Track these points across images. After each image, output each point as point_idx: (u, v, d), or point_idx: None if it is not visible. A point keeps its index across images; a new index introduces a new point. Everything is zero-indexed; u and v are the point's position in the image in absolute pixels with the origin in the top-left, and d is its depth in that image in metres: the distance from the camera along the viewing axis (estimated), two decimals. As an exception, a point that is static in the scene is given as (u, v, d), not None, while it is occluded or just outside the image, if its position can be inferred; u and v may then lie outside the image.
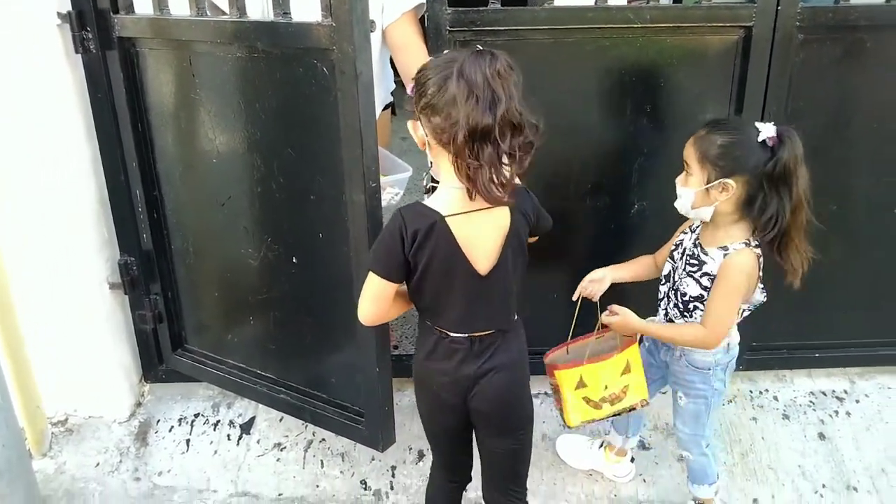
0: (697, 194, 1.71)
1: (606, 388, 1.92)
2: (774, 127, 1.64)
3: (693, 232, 1.88)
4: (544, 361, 1.95)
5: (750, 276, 1.73)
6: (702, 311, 1.81)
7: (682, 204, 1.76)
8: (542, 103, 2.17)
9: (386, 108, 2.51)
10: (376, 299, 1.57)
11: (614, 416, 1.97)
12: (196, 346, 2.52)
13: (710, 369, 1.89)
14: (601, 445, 2.33)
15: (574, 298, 1.95)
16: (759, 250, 1.74)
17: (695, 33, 2.14)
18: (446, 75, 1.38)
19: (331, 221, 1.92)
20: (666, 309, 1.93)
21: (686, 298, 1.84)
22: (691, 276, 1.82)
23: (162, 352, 2.57)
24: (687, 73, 2.17)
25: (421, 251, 1.49)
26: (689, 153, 1.72)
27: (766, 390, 2.63)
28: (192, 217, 2.31)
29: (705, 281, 1.79)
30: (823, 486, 2.33)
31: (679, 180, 1.76)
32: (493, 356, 1.62)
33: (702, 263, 1.79)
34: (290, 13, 1.78)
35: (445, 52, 1.53)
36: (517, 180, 1.49)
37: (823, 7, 2.12)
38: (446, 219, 1.48)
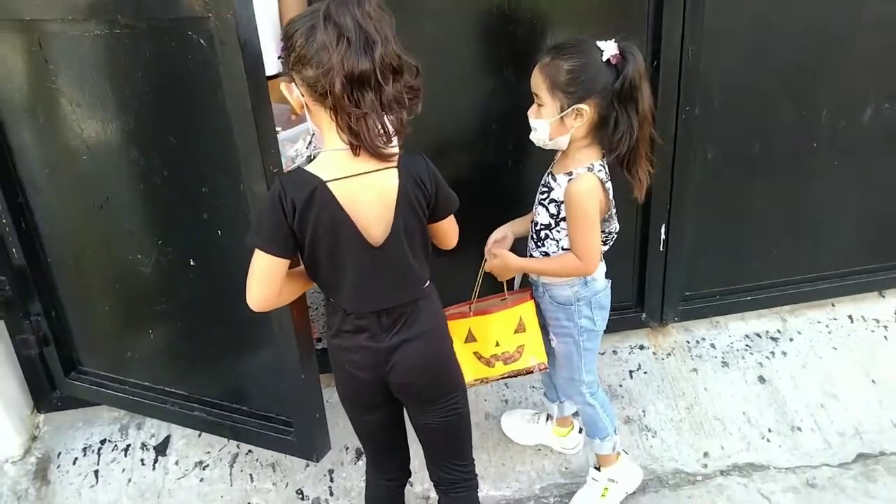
0: (553, 124, 1.66)
1: (498, 344, 1.88)
2: (616, 45, 1.61)
3: (553, 163, 1.82)
4: None
5: (592, 195, 1.67)
6: (553, 239, 1.77)
7: (538, 136, 1.71)
8: (446, 62, 2.04)
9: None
10: (264, 279, 1.41)
11: (510, 376, 1.92)
12: (92, 368, 2.25)
13: (571, 304, 1.83)
14: (547, 418, 2.23)
15: (485, 269, 1.88)
16: (602, 175, 1.68)
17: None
18: (312, 24, 1.28)
19: (230, 216, 1.70)
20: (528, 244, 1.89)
21: (538, 228, 1.80)
22: (542, 204, 1.78)
23: (53, 377, 2.27)
24: (601, 21, 2.04)
25: (304, 221, 1.35)
26: (538, 83, 1.65)
27: (703, 339, 2.59)
28: (67, 224, 2.02)
29: (552, 208, 1.74)
30: (769, 430, 2.30)
31: (531, 112, 1.70)
32: (404, 327, 1.50)
33: (550, 190, 1.75)
34: None
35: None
36: (395, 142, 1.37)
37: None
38: (328, 184, 1.34)
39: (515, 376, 1.93)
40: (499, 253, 1.83)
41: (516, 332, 1.88)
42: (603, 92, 1.60)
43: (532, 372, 1.91)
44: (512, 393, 2.40)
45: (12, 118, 1.90)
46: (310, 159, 1.52)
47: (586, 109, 1.62)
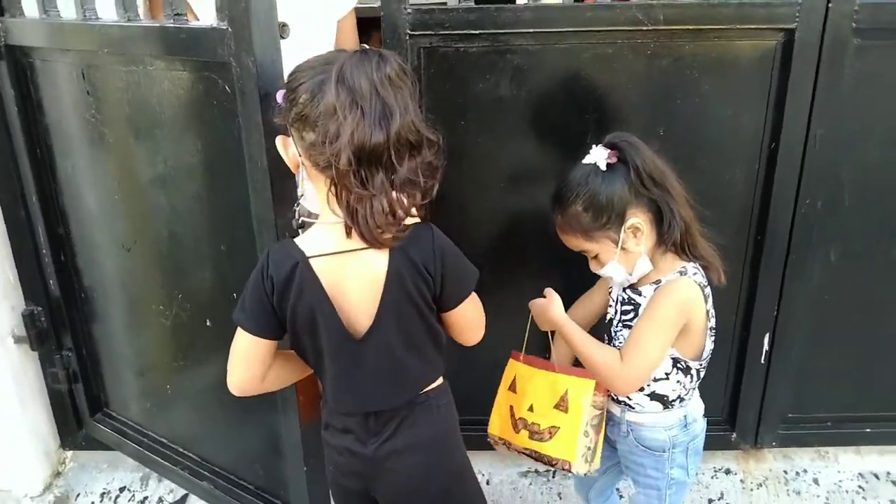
0: (622, 260, 1.39)
1: (531, 410, 1.52)
2: (600, 147, 1.37)
3: None
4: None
5: (684, 305, 1.37)
6: None
7: (620, 280, 1.44)
8: (527, 125, 1.80)
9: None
10: (244, 361, 1.22)
11: (531, 456, 1.51)
12: (117, 412, 2.12)
13: (664, 451, 1.48)
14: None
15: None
16: (699, 278, 1.39)
17: (721, 38, 1.68)
18: (323, 79, 1.07)
19: (246, 279, 1.51)
20: None
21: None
22: (626, 326, 1.45)
23: (80, 416, 2.17)
24: (710, 89, 1.72)
25: (283, 301, 1.17)
26: (574, 242, 1.42)
27: (804, 471, 2.16)
28: (100, 262, 1.90)
29: None
30: None
31: (593, 267, 1.45)
32: (396, 435, 1.26)
33: (636, 307, 1.43)
34: (184, 14, 1.36)
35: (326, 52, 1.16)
36: (414, 214, 1.16)
37: (889, 3, 1.66)
38: (311, 260, 1.15)
39: (537, 459, 1.52)
40: (549, 295, 1.48)
41: (556, 407, 1.50)
42: (633, 192, 1.34)
43: (554, 466, 1.51)
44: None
45: (60, 145, 1.81)
46: (300, 225, 1.29)
47: (638, 221, 1.35)
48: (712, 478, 2.13)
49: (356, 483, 1.30)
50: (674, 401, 1.44)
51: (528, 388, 1.53)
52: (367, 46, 1.12)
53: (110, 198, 1.72)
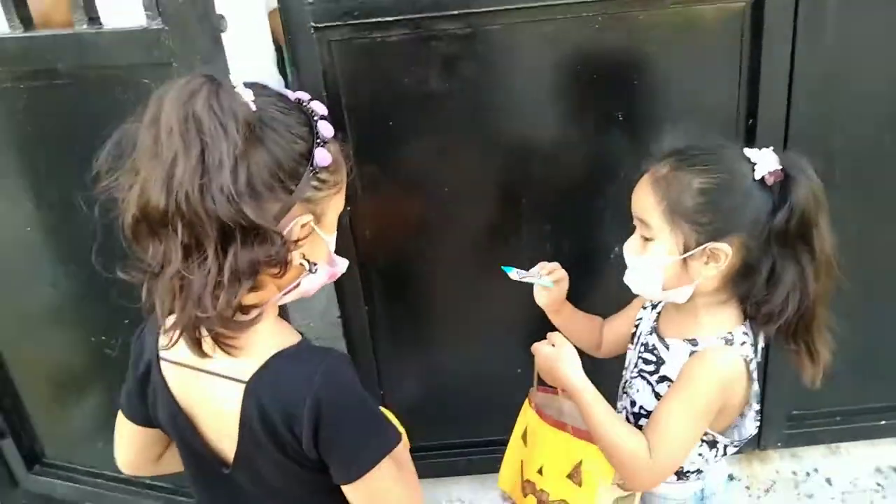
0: (670, 269, 1.07)
1: (541, 473, 1.22)
2: (774, 156, 1.03)
3: (653, 308, 1.23)
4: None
5: (724, 384, 1.07)
6: None
7: (641, 282, 1.11)
8: (465, 121, 1.54)
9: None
10: (125, 442, 1.03)
11: None
12: (59, 460, 1.98)
13: None
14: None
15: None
16: (746, 350, 1.08)
17: (680, 2, 1.46)
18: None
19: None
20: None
21: (636, 409, 1.19)
22: (644, 378, 1.18)
23: (13, 473, 2.00)
24: (672, 64, 1.51)
25: (146, 395, 0.96)
26: (646, 204, 1.07)
27: (816, 470, 1.97)
28: (14, 303, 1.76)
29: (662, 388, 1.14)
30: None
31: (631, 247, 1.12)
32: None
33: (659, 362, 1.16)
34: (99, 19, 1.26)
35: None
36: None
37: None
38: (161, 359, 0.92)
39: None
40: (560, 343, 1.12)
41: (569, 476, 1.19)
42: (753, 227, 1.03)
43: None
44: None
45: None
46: None
47: (726, 251, 1.03)
48: (713, 487, 1.95)
49: None
50: (690, 472, 1.19)
51: (538, 446, 1.24)
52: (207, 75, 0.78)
53: (21, 232, 1.59)
